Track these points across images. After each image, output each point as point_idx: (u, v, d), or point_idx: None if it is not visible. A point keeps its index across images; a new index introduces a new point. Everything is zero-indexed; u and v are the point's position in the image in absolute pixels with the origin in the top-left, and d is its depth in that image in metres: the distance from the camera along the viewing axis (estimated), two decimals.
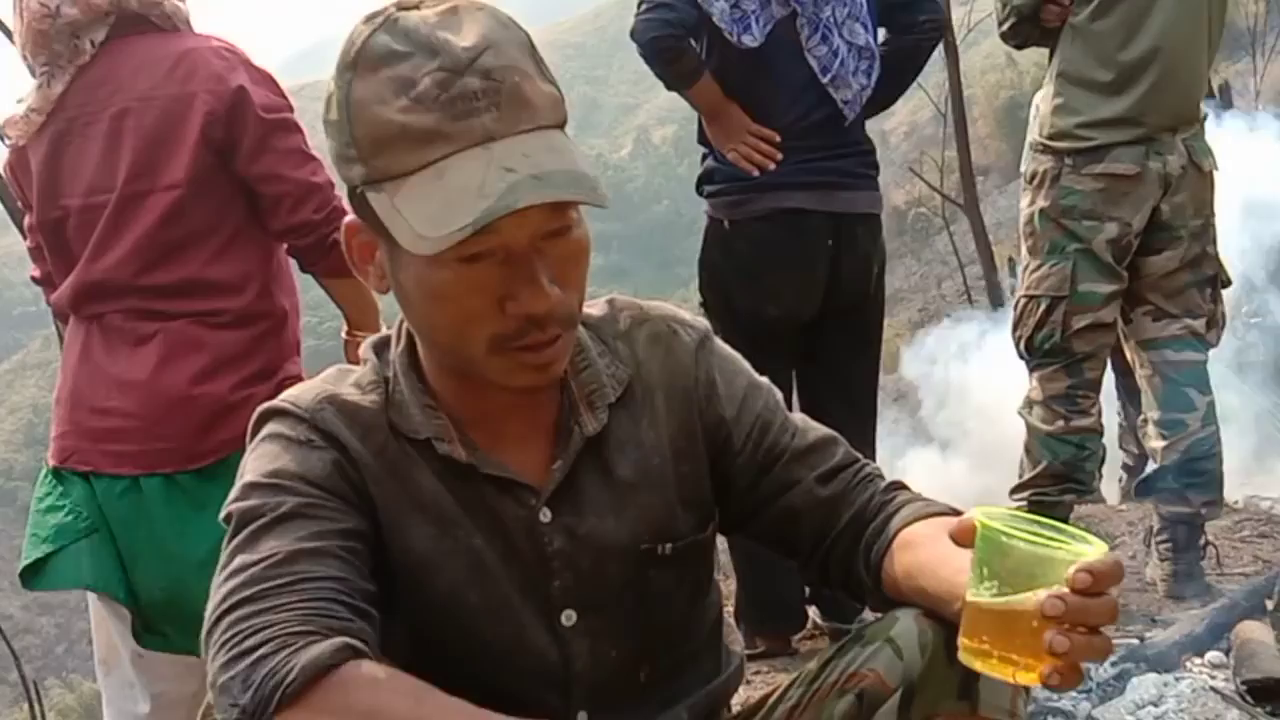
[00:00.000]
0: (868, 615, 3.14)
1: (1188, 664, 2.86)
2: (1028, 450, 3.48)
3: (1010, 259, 7.59)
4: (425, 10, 1.20)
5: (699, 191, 3.25)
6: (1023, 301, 3.44)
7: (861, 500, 1.39)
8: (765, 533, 1.46)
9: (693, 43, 3.06)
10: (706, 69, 3.07)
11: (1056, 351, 3.37)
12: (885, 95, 3.20)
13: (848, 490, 1.41)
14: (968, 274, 10.31)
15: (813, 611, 3.35)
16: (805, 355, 3.25)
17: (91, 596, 2.45)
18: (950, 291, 25.51)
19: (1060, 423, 3.38)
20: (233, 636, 1.10)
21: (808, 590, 3.34)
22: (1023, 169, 3.63)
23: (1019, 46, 3.58)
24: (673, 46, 2.99)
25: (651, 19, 2.98)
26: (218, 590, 1.16)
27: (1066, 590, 1.00)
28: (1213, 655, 2.87)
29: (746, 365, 1.49)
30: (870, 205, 3.16)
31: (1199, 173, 3.30)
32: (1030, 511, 3.49)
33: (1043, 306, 3.37)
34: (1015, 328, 3.48)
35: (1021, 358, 3.51)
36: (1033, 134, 3.57)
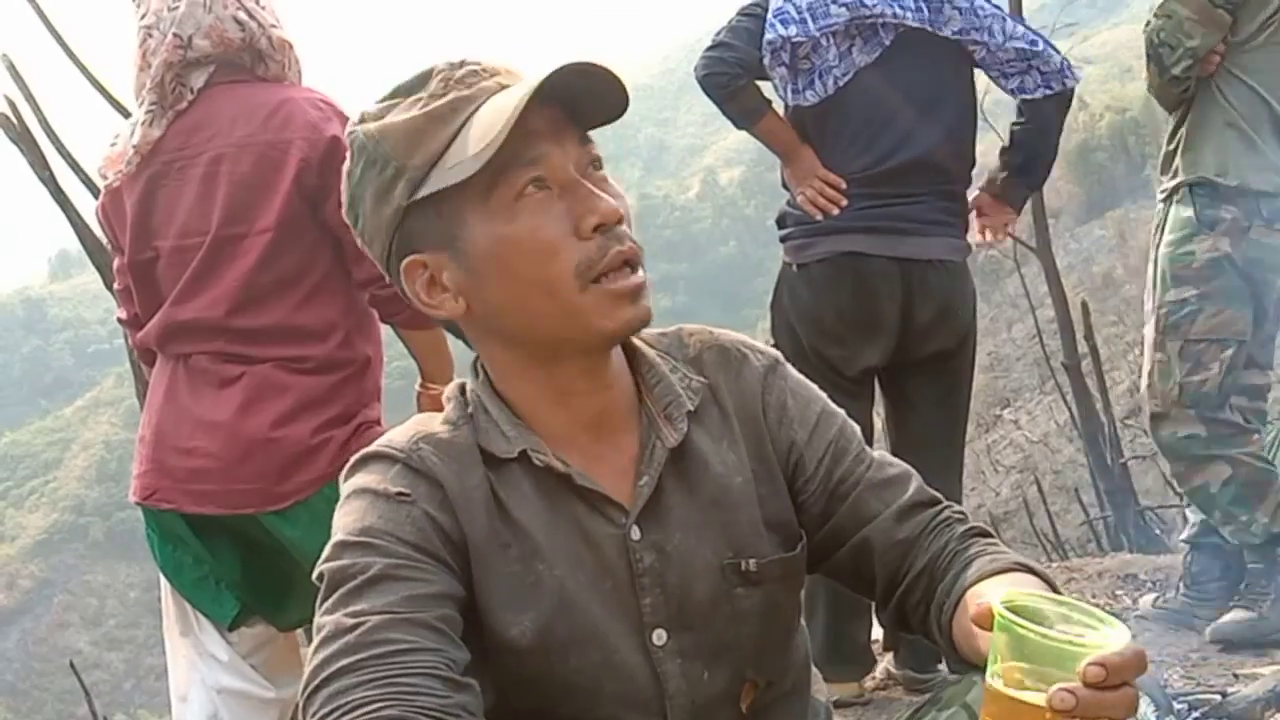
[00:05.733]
0: (943, 667, 3.10)
1: None
2: None
3: (1084, 303, 7.49)
4: None
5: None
6: (1200, 346, 3.36)
7: (936, 547, 1.37)
8: (842, 569, 1.45)
9: (756, 83, 3.06)
10: (768, 108, 3.08)
11: (1236, 392, 3.37)
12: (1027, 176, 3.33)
13: (923, 534, 1.39)
14: (1039, 317, 10.22)
15: (886, 659, 3.31)
16: (892, 402, 3.25)
17: (167, 631, 2.49)
18: (1020, 335, 25.28)
19: (1257, 436, 3.42)
20: (330, 713, 1.12)
21: (881, 635, 3.31)
22: (1187, 212, 3.39)
23: (1175, 104, 3.44)
24: (727, 84, 3.02)
25: (711, 56, 3.03)
26: (314, 656, 1.17)
27: (1078, 683, 0.98)
28: None
29: (821, 394, 1.49)
30: (946, 252, 3.10)
31: None
32: None
33: (1230, 350, 3.33)
34: (1193, 372, 3.36)
35: (1185, 405, 3.39)
36: (1190, 177, 3.39)
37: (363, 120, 1.31)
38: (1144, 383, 3.50)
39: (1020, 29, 3.05)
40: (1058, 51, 3.09)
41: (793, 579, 1.43)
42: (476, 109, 1.25)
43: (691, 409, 1.38)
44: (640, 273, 1.28)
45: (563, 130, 1.26)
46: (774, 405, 1.43)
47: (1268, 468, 3.33)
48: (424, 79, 1.29)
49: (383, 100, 1.32)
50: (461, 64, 1.29)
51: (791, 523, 1.42)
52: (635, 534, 1.33)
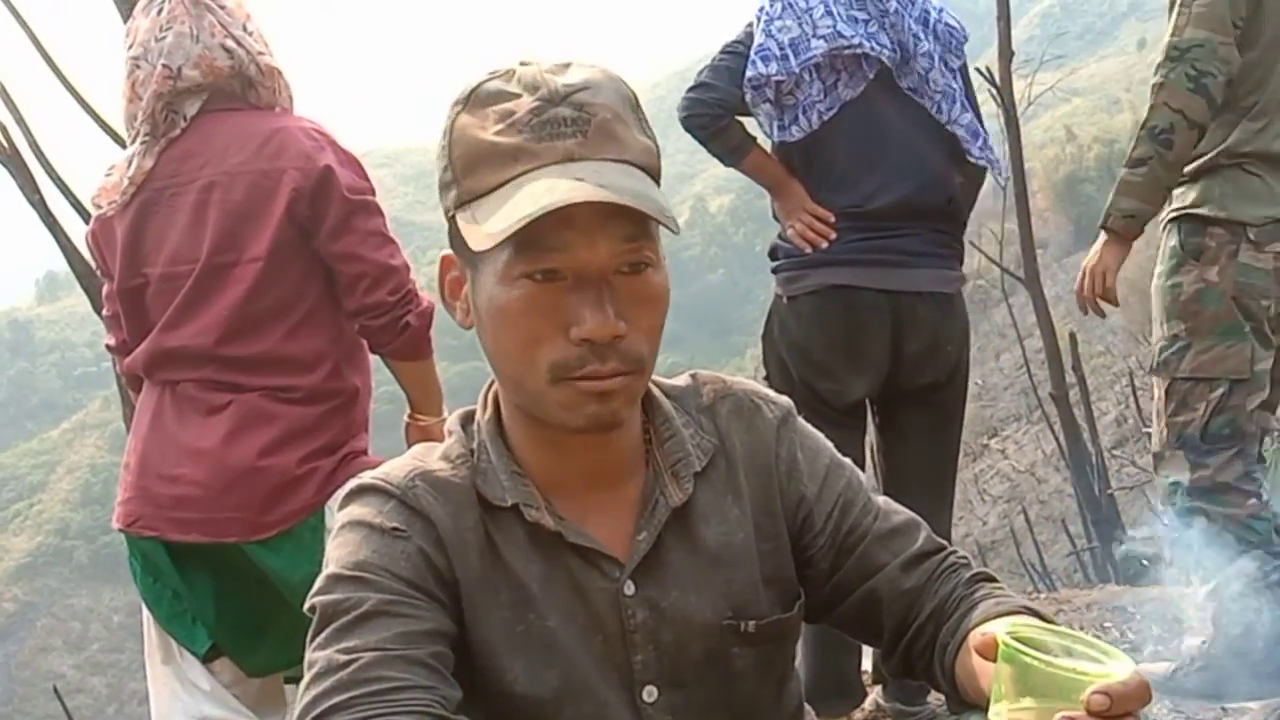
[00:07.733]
0: (931, 699, 3.09)
1: None
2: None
3: (1072, 334, 7.52)
4: (542, 64, 1.26)
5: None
6: (1187, 385, 3.19)
7: (943, 593, 1.36)
8: (849, 620, 1.43)
9: (738, 120, 3.07)
10: (753, 144, 3.09)
11: (1232, 436, 3.15)
12: None
13: (930, 581, 1.38)
14: (1027, 347, 10.25)
15: (875, 692, 3.30)
16: (883, 433, 3.24)
17: (149, 658, 2.47)
18: (1008, 364, 25.34)
19: (1254, 501, 3.14)
20: None
21: (870, 667, 3.29)
22: (1172, 241, 3.25)
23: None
24: (708, 125, 3.03)
25: (692, 97, 3.04)
26: (306, 690, 1.16)
27: (1082, 712, 0.97)
28: None
29: (829, 444, 1.47)
30: (937, 284, 3.09)
31: None
32: None
33: (1219, 390, 3.14)
34: (1177, 412, 3.20)
35: (1174, 446, 3.22)
36: (1186, 204, 3.25)
37: (465, 102, 1.25)
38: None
39: (967, 117, 3.06)
40: (992, 150, 3.14)
41: (789, 637, 1.42)
42: (532, 170, 1.19)
43: (699, 470, 1.37)
44: (611, 382, 1.22)
45: (602, 226, 1.18)
46: (785, 458, 1.42)
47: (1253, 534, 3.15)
48: (517, 94, 1.22)
49: (488, 83, 1.25)
50: (555, 98, 1.21)
51: (791, 579, 1.41)
52: (629, 589, 1.31)
